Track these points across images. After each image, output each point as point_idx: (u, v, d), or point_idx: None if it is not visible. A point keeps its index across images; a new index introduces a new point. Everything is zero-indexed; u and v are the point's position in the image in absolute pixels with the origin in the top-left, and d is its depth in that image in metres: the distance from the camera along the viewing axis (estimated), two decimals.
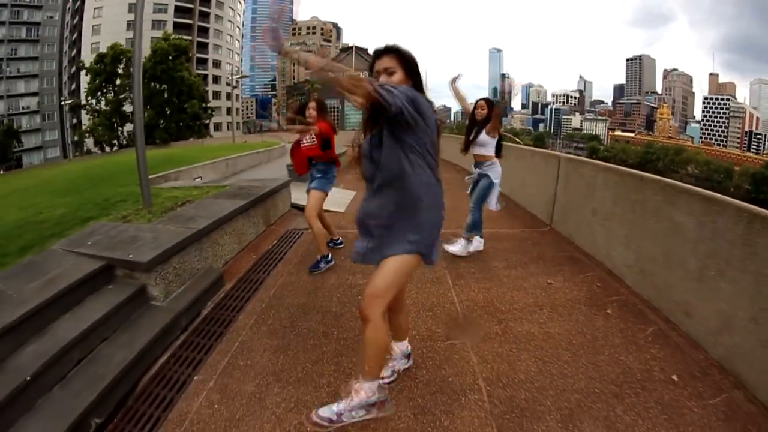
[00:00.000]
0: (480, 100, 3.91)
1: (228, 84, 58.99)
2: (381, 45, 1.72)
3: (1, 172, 31.42)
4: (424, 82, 1.72)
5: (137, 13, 4.27)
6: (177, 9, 56.24)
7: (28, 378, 2.03)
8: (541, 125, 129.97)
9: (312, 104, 3.78)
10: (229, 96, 59.17)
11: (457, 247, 4.03)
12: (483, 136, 3.84)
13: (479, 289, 3.25)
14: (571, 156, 4.87)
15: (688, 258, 2.77)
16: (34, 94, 52.34)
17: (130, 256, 2.85)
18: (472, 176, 4.06)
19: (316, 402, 2.06)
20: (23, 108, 51.38)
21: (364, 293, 1.76)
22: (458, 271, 3.70)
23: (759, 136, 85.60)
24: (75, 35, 53.66)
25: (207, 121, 45.32)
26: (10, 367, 2.11)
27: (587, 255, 4.08)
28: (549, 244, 4.43)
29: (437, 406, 2.05)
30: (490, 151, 3.89)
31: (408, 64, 1.69)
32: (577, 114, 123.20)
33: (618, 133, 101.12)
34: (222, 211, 3.88)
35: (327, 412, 1.85)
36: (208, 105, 45.27)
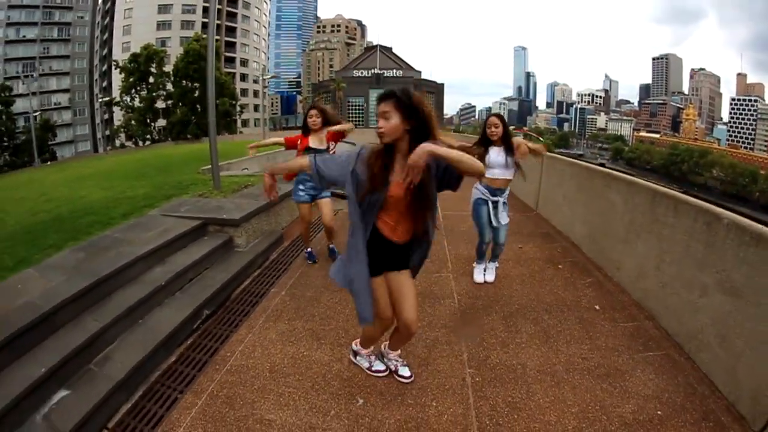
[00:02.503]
0: (492, 115, 3.41)
1: (255, 81, 60.89)
2: (384, 92, 1.79)
3: (48, 163, 33.63)
4: (431, 120, 1.78)
5: (210, 17, 5.44)
6: (205, 10, 58.23)
7: (163, 284, 3.23)
8: (566, 125, 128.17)
9: (314, 111, 3.71)
10: (256, 93, 61.01)
11: (492, 276, 3.80)
12: (505, 158, 3.32)
13: (465, 247, 4.37)
14: (552, 154, 5.87)
15: (618, 227, 3.81)
16: (66, 90, 54.99)
17: (224, 215, 4.17)
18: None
19: (351, 300, 3.25)
20: (55, 104, 53.84)
21: (412, 322, 2.09)
22: (454, 236, 4.83)
23: None
24: (106, 35, 56.06)
25: (236, 118, 47.05)
26: (146, 279, 3.28)
27: (558, 232, 5.17)
28: (531, 223, 5.52)
29: (425, 303, 3.28)
30: (512, 173, 3.40)
31: (406, 108, 1.73)
32: (603, 114, 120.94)
33: (643, 134, 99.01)
34: (279, 191, 5.09)
35: (407, 370, 2.44)
36: (238, 102, 46.99)
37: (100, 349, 2.61)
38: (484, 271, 3.79)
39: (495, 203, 3.44)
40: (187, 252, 3.78)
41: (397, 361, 2.46)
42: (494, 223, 3.46)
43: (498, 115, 3.40)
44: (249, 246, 4.30)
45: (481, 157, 3.26)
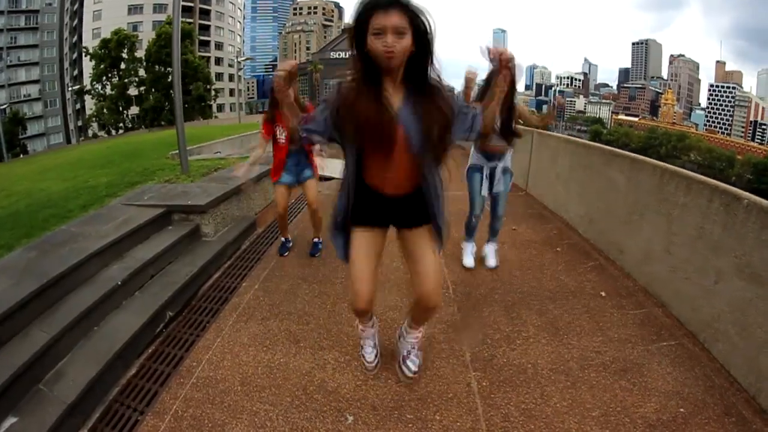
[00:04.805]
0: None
1: (230, 65, 59.18)
2: None
3: (21, 157, 32.12)
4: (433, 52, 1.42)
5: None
6: None
7: (119, 283, 2.80)
8: (545, 107, 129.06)
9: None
10: (231, 77, 59.33)
11: (494, 261, 3.47)
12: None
13: (456, 230, 4.02)
14: (541, 131, 5.56)
15: (620, 207, 3.54)
16: (35, 81, 52.11)
17: (189, 202, 3.73)
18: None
19: (332, 292, 2.98)
20: (25, 96, 50.91)
21: (430, 294, 1.74)
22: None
23: (764, 127, 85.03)
24: (75, 21, 53.38)
25: (211, 103, 45.65)
26: (101, 278, 2.85)
27: (551, 212, 4.90)
28: (522, 204, 5.24)
29: None
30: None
31: (419, 26, 1.38)
32: (581, 97, 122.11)
33: (622, 117, 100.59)
34: (252, 173, 4.64)
35: (415, 364, 2.07)
36: (213, 86, 45.53)
37: (51, 365, 2.23)
38: (477, 253, 3.48)
39: (492, 169, 3.13)
40: (148, 245, 3.35)
41: (411, 348, 2.08)
42: (483, 192, 3.17)
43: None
44: (218, 235, 3.87)
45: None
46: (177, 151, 5.67)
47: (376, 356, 2.12)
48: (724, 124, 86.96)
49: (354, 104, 1.43)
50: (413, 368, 2.05)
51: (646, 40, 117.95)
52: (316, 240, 3.78)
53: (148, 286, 3.04)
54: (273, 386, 2.11)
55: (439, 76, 1.48)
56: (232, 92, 59.09)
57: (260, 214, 4.81)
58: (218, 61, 61.31)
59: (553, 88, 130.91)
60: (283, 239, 3.84)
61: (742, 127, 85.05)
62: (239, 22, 69.02)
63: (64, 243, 3.06)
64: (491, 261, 3.44)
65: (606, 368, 2.22)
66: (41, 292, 2.45)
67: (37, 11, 52.05)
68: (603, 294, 3.04)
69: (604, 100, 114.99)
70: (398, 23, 1.32)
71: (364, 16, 1.35)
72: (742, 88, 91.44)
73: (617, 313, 2.79)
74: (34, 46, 52.12)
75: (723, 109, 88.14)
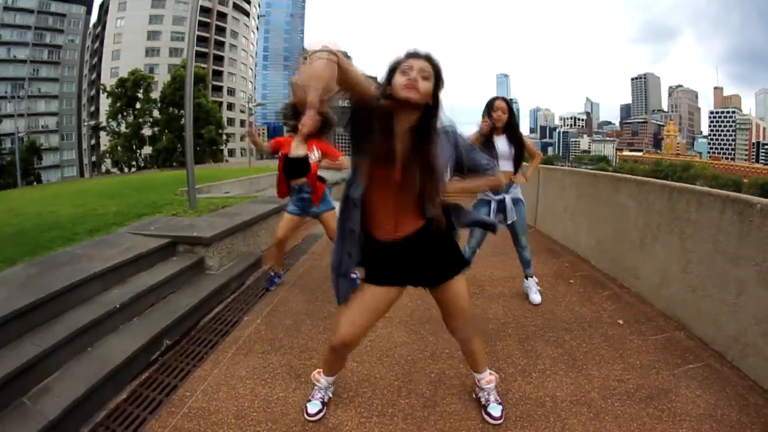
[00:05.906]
0: (497, 98, 3.00)
1: (242, 111, 60.91)
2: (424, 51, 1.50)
3: (35, 184, 32.73)
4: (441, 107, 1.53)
5: (189, 41, 5.15)
6: (198, 39, 58.25)
7: (118, 306, 2.72)
8: (550, 149, 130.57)
9: (312, 112, 3.65)
10: (243, 123, 60.91)
11: (537, 296, 3.28)
12: (506, 147, 2.99)
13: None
14: (548, 166, 5.57)
15: (632, 231, 3.46)
16: (54, 113, 53.94)
17: (195, 233, 3.71)
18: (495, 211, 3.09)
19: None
20: (42, 126, 52.61)
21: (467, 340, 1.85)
22: None
23: (767, 147, 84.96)
24: (95, 59, 55.88)
25: (222, 147, 46.62)
26: (101, 300, 2.78)
27: (562, 246, 4.82)
28: (531, 241, 4.97)
29: (426, 330, 2.82)
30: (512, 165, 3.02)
31: (439, 80, 1.50)
32: (585, 136, 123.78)
33: (626, 153, 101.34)
34: (259, 210, 4.75)
35: (497, 410, 1.94)
36: (224, 131, 46.66)
37: (39, 380, 2.14)
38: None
39: (500, 202, 3.06)
40: (151, 273, 3.29)
41: (489, 393, 1.98)
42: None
43: (504, 99, 3.01)
44: (222, 269, 3.82)
45: (483, 147, 2.90)
46: (186, 188, 5.71)
47: (319, 412, 1.98)
48: (727, 148, 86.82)
49: (369, 118, 1.45)
50: (495, 414, 1.93)
51: (645, 74, 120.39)
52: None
53: (147, 312, 2.95)
54: (269, 420, 1.97)
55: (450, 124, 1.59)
56: (242, 138, 60.48)
57: (266, 251, 4.74)
58: (230, 106, 63.23)
59: (557, 130, 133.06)
60: (272, 273, 3.74)
61: (745, 149, 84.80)
62: (251, 69, 71.69)
63: (66, 263, 3.04)
64: (535, 297, 3.27)
65: (630, 396, 2.09)
66: (37, 306, 2.40)
67: (60, 46, 54.64)
68: (621, 322, 2.92)
69: (607, 138, 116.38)
70: (425, 67, 1.45)
71: (398, 61, 1.49)
72: (741, 111, 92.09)
73: (637, 339, 2.67)
74: (55, 79, 54.44)
75: (725, 135, 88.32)
